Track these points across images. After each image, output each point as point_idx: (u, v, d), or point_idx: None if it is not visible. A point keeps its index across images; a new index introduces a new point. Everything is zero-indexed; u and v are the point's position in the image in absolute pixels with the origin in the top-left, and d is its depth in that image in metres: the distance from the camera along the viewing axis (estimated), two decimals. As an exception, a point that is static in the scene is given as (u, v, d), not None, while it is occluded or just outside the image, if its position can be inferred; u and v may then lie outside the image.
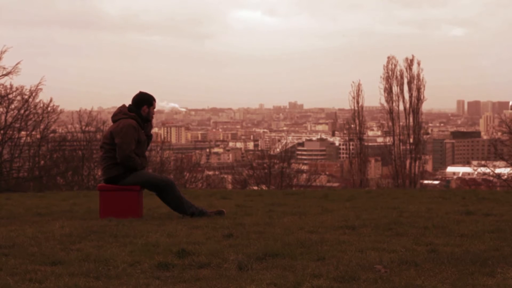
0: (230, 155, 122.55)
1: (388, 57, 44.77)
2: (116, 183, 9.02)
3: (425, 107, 47.36)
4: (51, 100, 25.76)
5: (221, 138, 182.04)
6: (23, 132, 25.55)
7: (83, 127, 30.15)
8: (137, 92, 9.37)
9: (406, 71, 44.29)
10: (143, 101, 9.26)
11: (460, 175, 72.35)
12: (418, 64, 44.62)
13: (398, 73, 44.25)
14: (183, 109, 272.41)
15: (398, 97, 44.22)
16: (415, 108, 44.11)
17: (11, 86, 24.45)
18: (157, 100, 9.61)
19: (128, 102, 9.33)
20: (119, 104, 9.35)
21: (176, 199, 9.06)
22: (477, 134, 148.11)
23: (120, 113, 9.21)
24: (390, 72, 44.29)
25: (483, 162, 35.69)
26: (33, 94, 24.73)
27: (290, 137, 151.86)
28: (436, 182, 63.33)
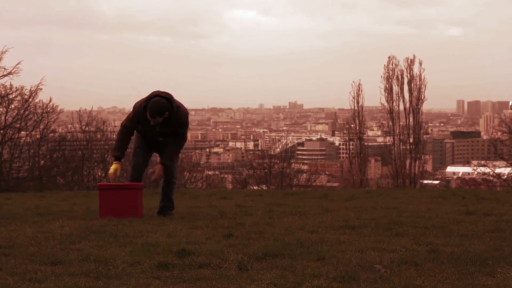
0: (230, 155, 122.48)
1: (389, 57, 44.83)
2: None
3: (425, 107, 47.39)
4: (50, 100, 25.80)
5: (221, 138, 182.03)
6: (23, 132, 25.54)
7: (83, 127, 30.16)
8: (161, 101, 8.73)
9: (407, 70, 44.35)
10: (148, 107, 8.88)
11: (460, 175, 72.40)
12: (420, 64, 44.68)
13: (399, 72, 44.31)
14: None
15: (399, 97, 44.29)
16: (415, 108, 44.14)
17: (11, 86, 24.49)
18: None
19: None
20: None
21: (170, 192, 9.36)
22: (477, 134, 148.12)
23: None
24: (390, 72, 44.33)
25: (483, 162, 35.68)
26: (33, 94, 24.77)
27: (290, 137, 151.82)
28: (436, 182, 63.36)
